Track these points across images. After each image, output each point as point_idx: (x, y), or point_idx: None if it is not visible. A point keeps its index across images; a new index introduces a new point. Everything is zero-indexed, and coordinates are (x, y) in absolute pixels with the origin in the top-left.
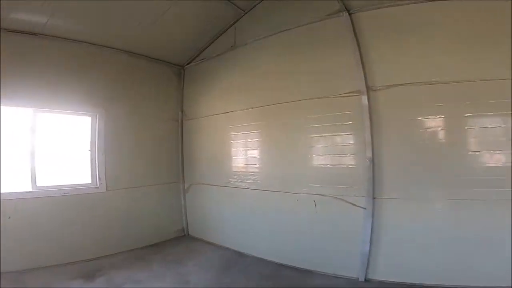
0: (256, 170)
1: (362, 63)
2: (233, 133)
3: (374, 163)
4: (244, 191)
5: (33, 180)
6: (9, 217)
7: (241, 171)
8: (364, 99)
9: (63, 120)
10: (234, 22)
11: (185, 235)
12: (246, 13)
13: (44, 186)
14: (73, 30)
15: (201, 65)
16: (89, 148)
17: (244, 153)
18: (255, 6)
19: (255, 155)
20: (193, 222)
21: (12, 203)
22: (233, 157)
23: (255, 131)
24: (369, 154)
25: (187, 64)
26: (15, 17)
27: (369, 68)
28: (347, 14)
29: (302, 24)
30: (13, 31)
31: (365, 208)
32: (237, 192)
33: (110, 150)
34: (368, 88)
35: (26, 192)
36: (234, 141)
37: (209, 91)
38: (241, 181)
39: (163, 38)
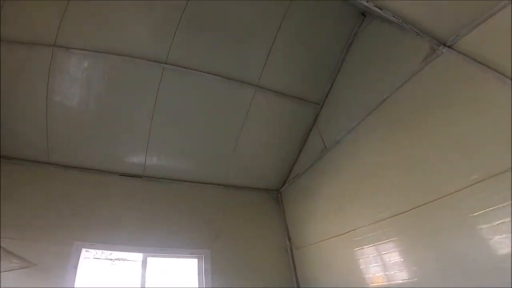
0: None
1: None
2: (362, 258)
3: None
4: None
5: None
6: None
7: None
8: None
9: (172, 262)
10: (314, 121)
11: None
12: (322, 106)
13: None
14: (171, 169)
15: (296, 184)
16: None
17: (385, 277)
18: (328, 93)
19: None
20: None
21: None
22: (370, 285)
23: (395, 251)
24: None
25: (282, 187)
26: (126, 160)
27: None
28: (447, 47)
29: (397, 86)
30: (122, 174)
31: None
32: None
33: None
34: None
35: None
36: (366, 266)
37: (314, 211)
38: None
39: (254, 164)
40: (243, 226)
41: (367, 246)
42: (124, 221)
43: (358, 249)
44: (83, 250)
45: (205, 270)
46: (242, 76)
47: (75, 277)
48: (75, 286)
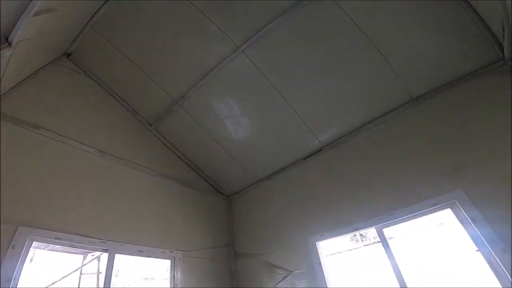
0: None
1: None
2: None
3: None
4: None
5: None
6: None
7: None
8: None
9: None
10: None
11: None
12: None
13: None
14: (343, 128)
15: None
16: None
17: None
18: None
19: None
20: None
21: None
22: None
23: None
24: None
25: (502, 57)
26: (303, 146)
27: None
28: None
29: None
30: (306, 157)
31: None
32: None
33: None
34: None
35: None
36: None
37: None
38: None
39: (431, 51)
40: (489, 134)
41: None
42: (332, 199)
43: None
44: (316, 243)
45: (470, 218)
46: None
47: (322, 273)
48: (325, 277)
